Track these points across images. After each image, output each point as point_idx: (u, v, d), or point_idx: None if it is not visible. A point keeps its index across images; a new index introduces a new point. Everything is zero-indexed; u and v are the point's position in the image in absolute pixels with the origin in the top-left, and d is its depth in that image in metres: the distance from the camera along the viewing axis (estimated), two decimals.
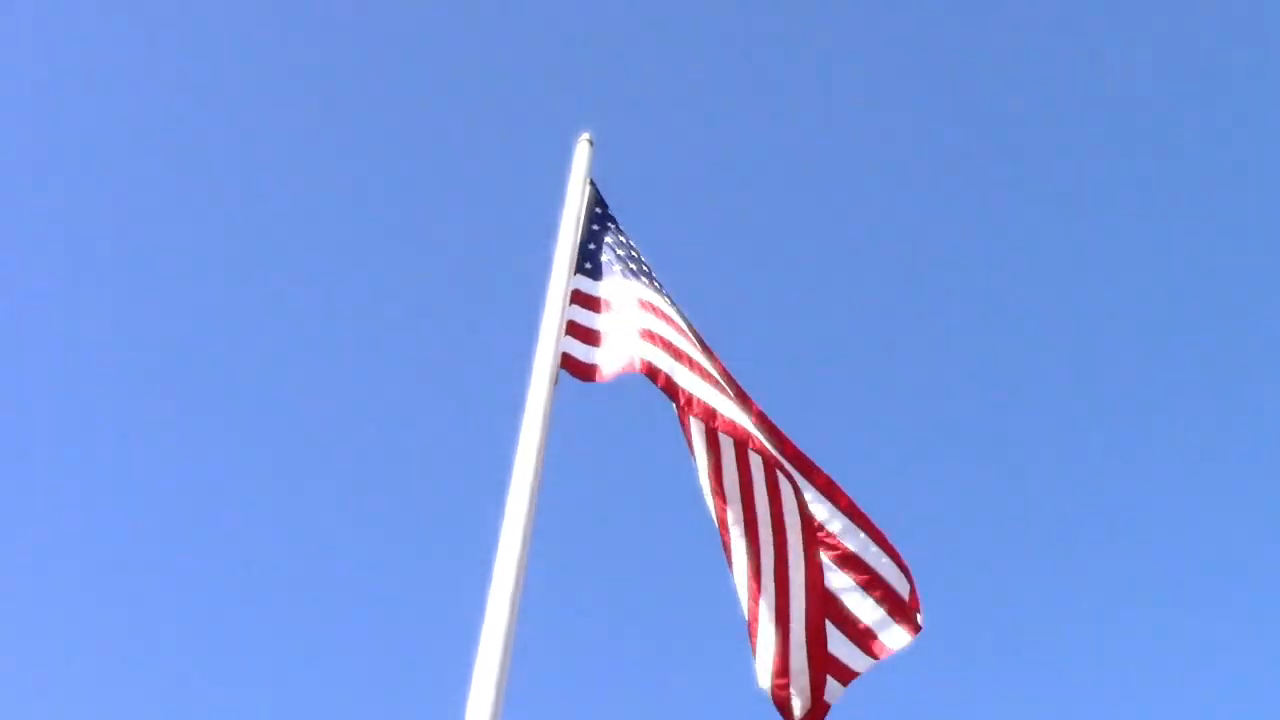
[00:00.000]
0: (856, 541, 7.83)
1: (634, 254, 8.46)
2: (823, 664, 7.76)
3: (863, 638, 7.78)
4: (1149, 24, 25.67)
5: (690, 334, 8.03)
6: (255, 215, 25.17)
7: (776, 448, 7.76)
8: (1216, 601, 25.26)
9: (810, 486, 7.84)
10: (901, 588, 7.82)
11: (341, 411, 25.27)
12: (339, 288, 25.70)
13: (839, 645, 7.78)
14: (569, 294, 7.99)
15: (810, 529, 7.77)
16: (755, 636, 7.83)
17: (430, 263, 26.00)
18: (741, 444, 7.74)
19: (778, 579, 7.80)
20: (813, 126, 26.68)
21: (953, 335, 26.88)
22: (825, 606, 7.77)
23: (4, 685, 21.78)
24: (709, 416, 7.59)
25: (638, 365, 7.65)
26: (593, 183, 8.69)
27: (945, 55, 26.14)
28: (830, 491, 7.86)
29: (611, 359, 7.78)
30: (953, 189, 26.65)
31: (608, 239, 8.50)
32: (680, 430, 8.12)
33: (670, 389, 7.60)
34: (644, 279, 8.28)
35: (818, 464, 7.90)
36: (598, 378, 7.75)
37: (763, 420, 7.87)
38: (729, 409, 7.61)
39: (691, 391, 7.59)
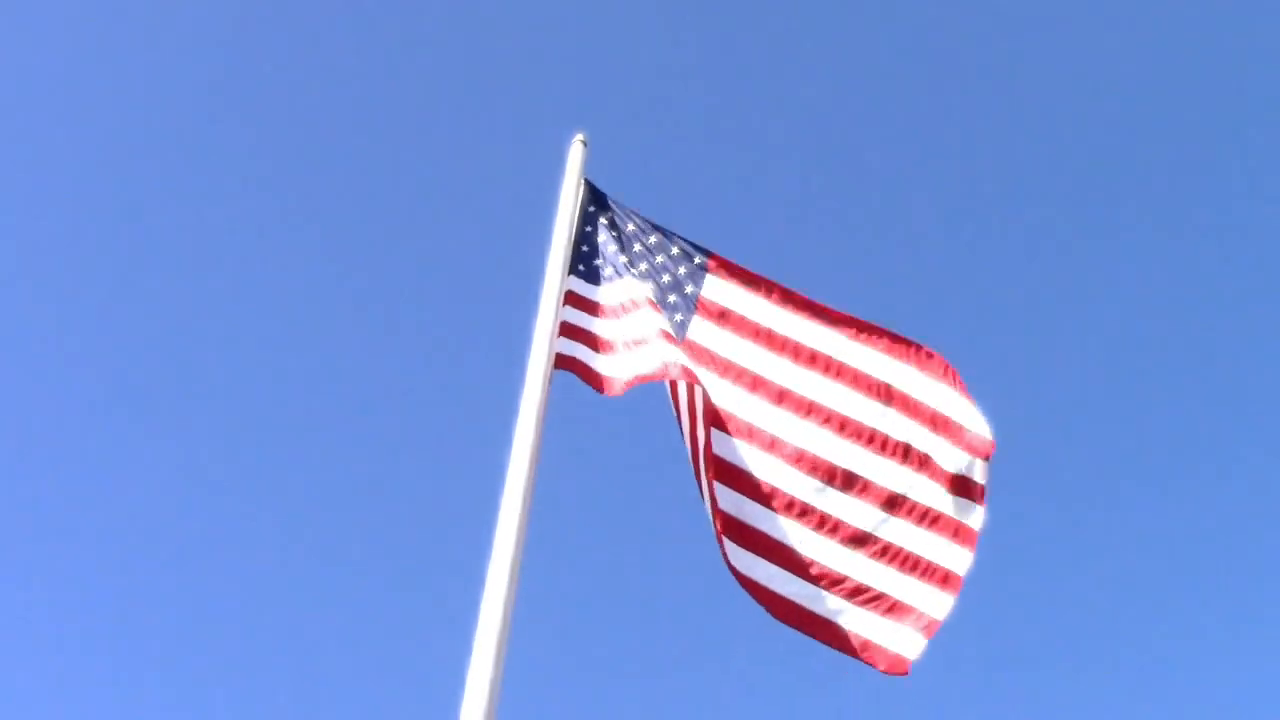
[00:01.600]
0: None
1: (636, 240, 8.53)
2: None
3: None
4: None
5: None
6: (250, 214, 25.19)
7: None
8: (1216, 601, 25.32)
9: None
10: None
11: (336, 412, 25.29)
12: (333, 288, 25.72)
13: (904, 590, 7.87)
14: (563, 295, 8.02)
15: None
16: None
17: (424, 264, 26.02)
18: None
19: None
20: (810, 127, 26.72)
21: (955, 336, 26.89)
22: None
23: (4, 685, 21.81)
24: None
25: (673, 373, 7.71)
26: (588, 182, 8.71)
27: (949, 52, 26.16)
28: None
29: (629, 368, 7.82)
30: (954, 187, 26.69)
31: (601, 237, 8.54)
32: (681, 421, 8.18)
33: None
34: (640, 266, 8.41)
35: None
36: (606, 389, 7.78)
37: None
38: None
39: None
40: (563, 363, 7.84)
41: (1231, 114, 25.71)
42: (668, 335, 7.86)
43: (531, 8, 25.66)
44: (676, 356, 7.69)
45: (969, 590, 7.93)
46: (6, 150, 24.21)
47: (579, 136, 8.81)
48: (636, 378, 7.73)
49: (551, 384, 7.55)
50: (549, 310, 7.78)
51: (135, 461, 24.59)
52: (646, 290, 8.18)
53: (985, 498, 8.00)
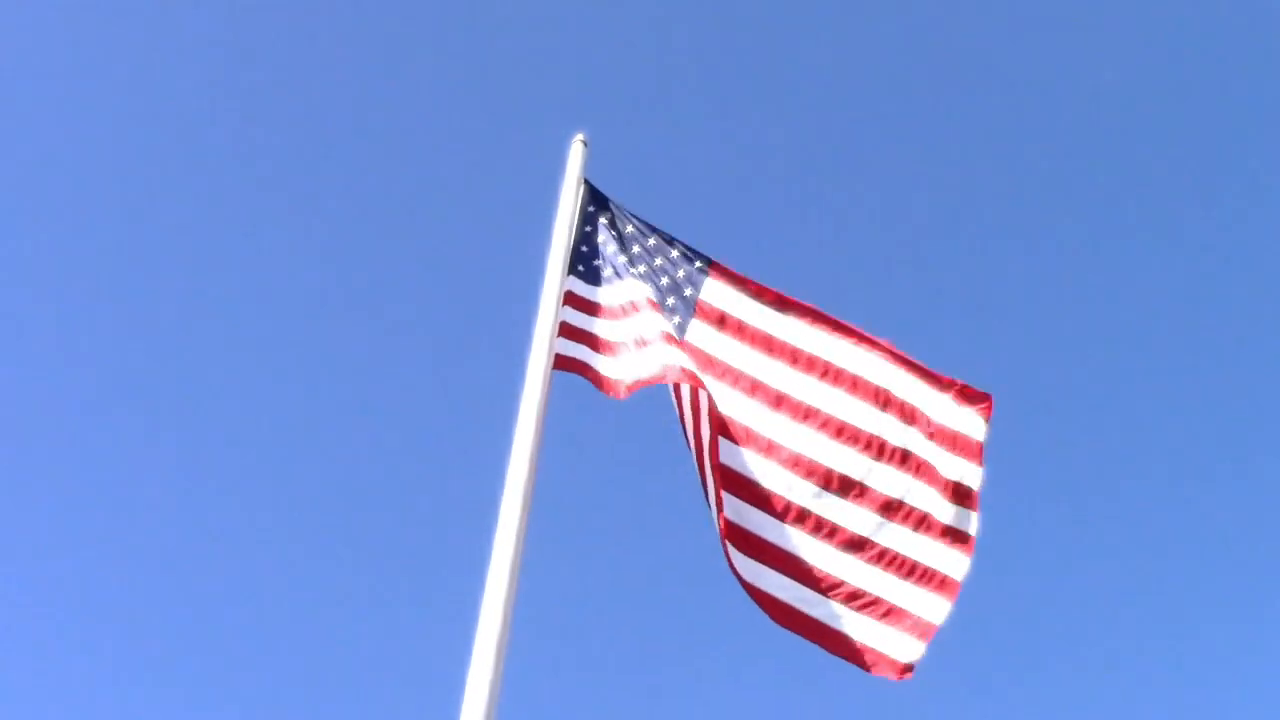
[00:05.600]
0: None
1: (635, 242, 8.53)
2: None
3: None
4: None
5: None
6: (249, 215, 25.18)
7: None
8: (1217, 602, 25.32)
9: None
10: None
11: (335, 413, 25.29)
12: (332, 289, 25.72)
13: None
14: (562, 295, 8.03)
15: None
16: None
17: (424, 264, 26.02)
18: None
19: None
20: (809, 127, 26.72)
21: (954, 345, 26.90)
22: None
23: (4, 686, 21.82)
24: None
25: (673, 376, 7.70)
26: (587, 183, 8.71)
27: (949, 53, 26.16)
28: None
29: (632, 371, 7.81)
30: (955, 186, 26.69)
31: (600, 238, 8.54)
32: (683, 419, 8.17)
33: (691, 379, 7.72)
34: (639, 268, 8.38)
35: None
36: (611, 391, 7.78)
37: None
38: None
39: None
40: (563, 363, 7.84)
41: (1233, 115, 25.73)
42: (669, 337, 7.85)
43: (532, 8, 25.68)
44: (678, 359, 7.68)
45: (968, 592, 7.93)
46: (6, 150, 24.24)
47: (579, 137, 8.81)
48: (638, 381, 7.73)
49: (551, 385, 7.55)
50: (549, 311, 7.79)
51: (137, 462, 24.61)
52: (647, 291, 8.18)
53: (980, 505, 7.99)
